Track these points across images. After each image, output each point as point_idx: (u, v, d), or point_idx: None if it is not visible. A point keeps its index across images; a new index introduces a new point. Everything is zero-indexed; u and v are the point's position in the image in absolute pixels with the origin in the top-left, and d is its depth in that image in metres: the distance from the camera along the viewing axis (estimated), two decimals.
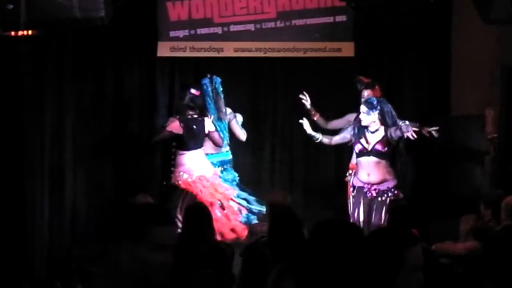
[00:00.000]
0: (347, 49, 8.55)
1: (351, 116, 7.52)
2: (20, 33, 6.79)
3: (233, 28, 8.48)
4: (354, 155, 7.36)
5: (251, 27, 8.50)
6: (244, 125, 8.22)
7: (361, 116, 7.08)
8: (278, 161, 8.80)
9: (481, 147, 8.11)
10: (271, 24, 8.50)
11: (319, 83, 8.57)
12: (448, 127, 8.31)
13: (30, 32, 6.85)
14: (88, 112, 8.28)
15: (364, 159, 7.11)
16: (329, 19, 8.53)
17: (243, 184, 8.49)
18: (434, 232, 6.73)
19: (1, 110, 7.94)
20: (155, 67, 8.49)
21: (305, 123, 7.29)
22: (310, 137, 7.32)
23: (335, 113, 8.43)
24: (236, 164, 8.53)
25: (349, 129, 7.24)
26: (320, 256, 3.05)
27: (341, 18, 8.52)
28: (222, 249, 5.27)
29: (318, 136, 7.33)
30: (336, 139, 7.37)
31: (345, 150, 7.69)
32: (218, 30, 8.47)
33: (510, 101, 8.13)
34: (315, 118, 7.59)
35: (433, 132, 6.89)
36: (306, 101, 7.63)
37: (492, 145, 8.06)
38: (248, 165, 8.72)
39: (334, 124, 7.66)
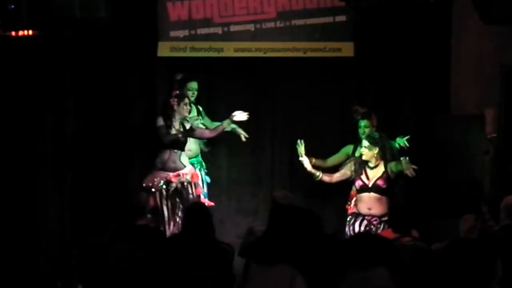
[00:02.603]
0: (347, 49, 8.55)
1: (349, 148, 7.58)
2: (20, 33, 6.81)
3: (233, 28, 8.48)
4: (354, 187, 7.39)
5: (251, 27, 8.50)
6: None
7: (363, 150, 7.16)
8: (278, 161, 8.80)
9: (481, 147, 8.11)
10: (271, 24, 8.50)
11: (319, 83, 8.57)
12: (448, 127, 8.32)
13: (30, 32, 6.87)
14: (88, 112, 8.29)
15: (365, 195, 7.17)
16: (329, 19, 8.53)
17: (243, 185, 8.54)
18: (434, 232, 6.75)
19: (2, 110, 7.95)
20: (155, 67, 8.49)
21: (305, 160, 7.37)
22: (310, 175, 7.39)
23: (334, 114, 8.46)
24: (236, 164, 8.55)
25: (349, 165, 7.32)
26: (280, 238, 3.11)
27: (341, 18, 8.51)
28: (223, 249, 5.27)
29: (319, 174, 7.39)
30: (337, 176, 7.41)
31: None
32: (218, 30, 8.47)
33: (510, 101, 8.12)
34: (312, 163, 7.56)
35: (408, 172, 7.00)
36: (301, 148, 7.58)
37: (491, 145, 8.05)
38: (248, 165, 8.73)
39: (332, 161, 7.70)
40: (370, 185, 7.13)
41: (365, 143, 7.17)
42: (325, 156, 7.84)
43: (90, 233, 7.89)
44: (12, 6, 6.48)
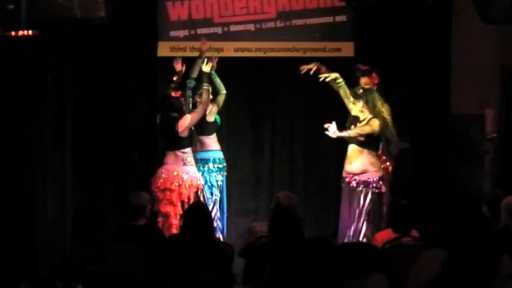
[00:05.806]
0: (347, 49, 8.55)
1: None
2: (20, 33, 6.79)
3: (233, 28, 8.48)
4: None
5: (251, 27, 8.50)
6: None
7: (350, 106, 7.26)
8: (278, 161, 8.80)
9: (481, 147, 8.12)
10: (271, 24, 8.51)
11: (319, 83, 8.56)
12: (448, 127, 8.33)
13: (30, 32, 6.85)
14: (88, 112, 8.29)
15: (350, 147, 7.30)
16: (329, 19, 8.53)
17: (243, 185, 8.53)
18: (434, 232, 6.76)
19: (2, 110, 7.95)
20: (155, 67, 8.49)
21: (333, 125, 7.18)
22: (340, 138, 7.32)
23: (334, 113, 8.44)
24: (236, 164, 8.54)
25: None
26: None
27: (341, 18, 8.52)
28: (222, 249, 5.27)
29: (349, 133, 7.29)
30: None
31: (346, 149, 7.70)
32: (218, 30, 8.47)
33: (510, 101, 8.14)
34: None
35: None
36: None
37: (492, 145, 8.06)
38: (248, 165, 8.73)
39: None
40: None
41: (351, 99, 7.26)
42: (325, 154, 7.85)
43: (90, 233, 7.92)
44: (12, 6, 6.46)
